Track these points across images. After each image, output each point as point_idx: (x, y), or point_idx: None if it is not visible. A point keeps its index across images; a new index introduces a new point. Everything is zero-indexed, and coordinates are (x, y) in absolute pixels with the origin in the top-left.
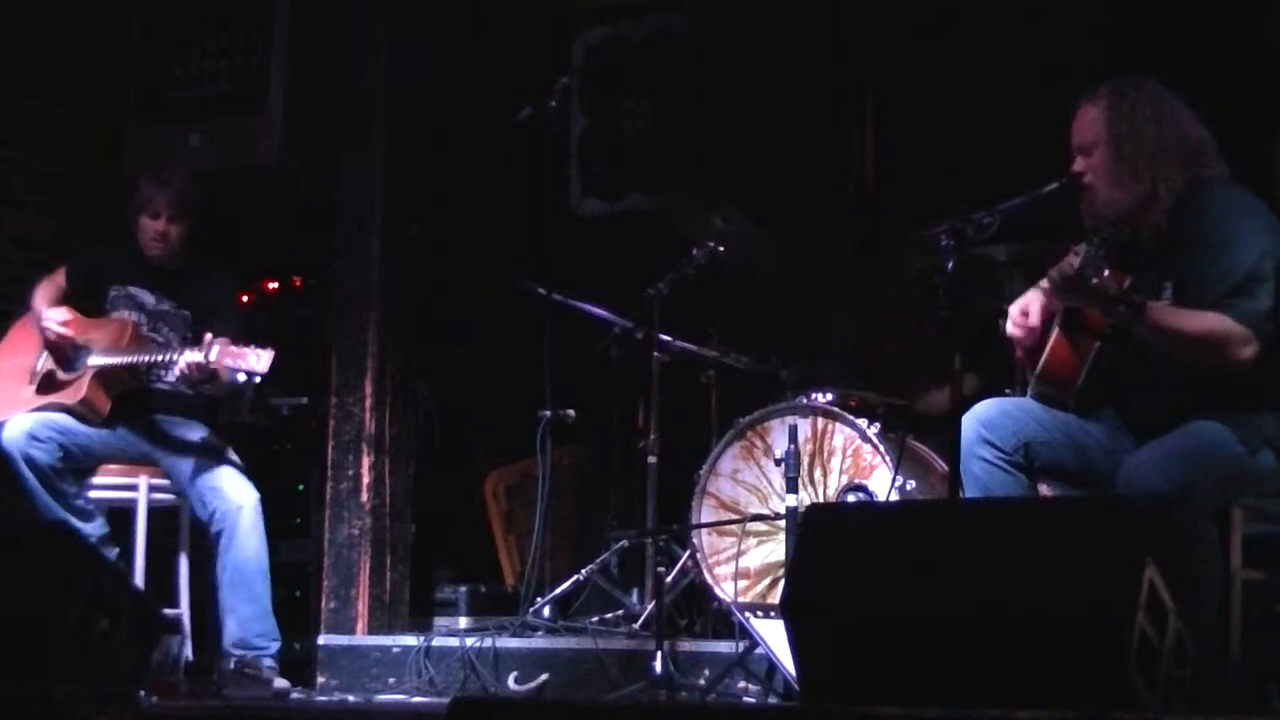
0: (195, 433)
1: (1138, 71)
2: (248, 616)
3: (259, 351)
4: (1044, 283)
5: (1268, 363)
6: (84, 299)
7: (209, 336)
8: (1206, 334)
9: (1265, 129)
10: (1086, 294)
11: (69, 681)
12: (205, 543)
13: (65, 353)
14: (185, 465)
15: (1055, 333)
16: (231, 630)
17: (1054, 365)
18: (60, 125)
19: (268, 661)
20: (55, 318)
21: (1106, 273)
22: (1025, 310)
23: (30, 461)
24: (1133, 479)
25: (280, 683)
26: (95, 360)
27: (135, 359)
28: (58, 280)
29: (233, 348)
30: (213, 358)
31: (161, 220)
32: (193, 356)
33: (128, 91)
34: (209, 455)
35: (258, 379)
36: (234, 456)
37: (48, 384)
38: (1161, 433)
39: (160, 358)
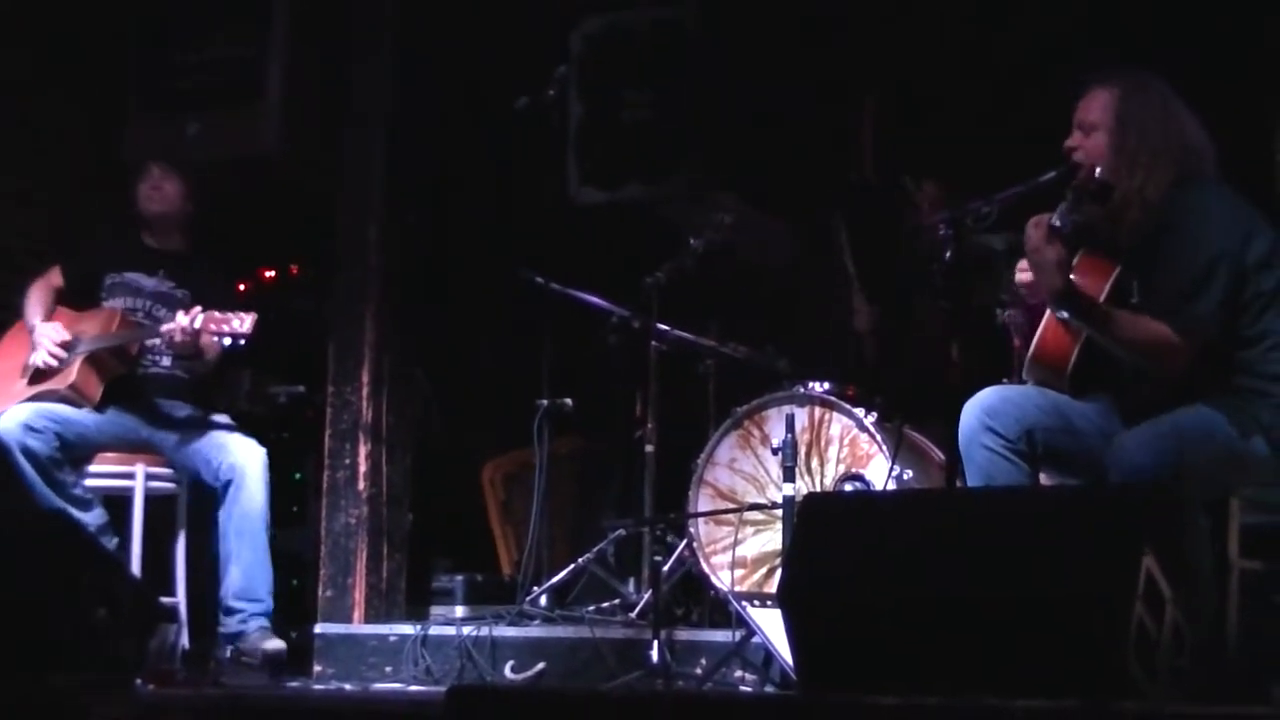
0: (190, 413)
1: (1137, 62)
2: (252, 564)
3: (241, 315)
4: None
5: (1263, 354)
6: (81, 295)
7: (196, 308)
8: (1143, 344)
9: (1263, 124)
10: (1045, 260)
11: (66, 671)
12: (203, 529)
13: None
14: (184, 439)
15: (1047, 315)
16: (234, 579)
17: (1046, 348)
18: (58, 114)
19: (263, 622)
20: (49, 336)
21: (1074, 216)
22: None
23: (27, 452)
24: (1122, 458)
25: (275, 643)
26: (84, 347)
27: (123, 340)
28: (52, 281)
29: (216, 313)
30: (197, 324)
31: (155, 175)
32: (174, 324)
33: (126, 80)
34: (207, 426)
35: (243, 341)
36: (233, 425)
37: (39, 375)
38: (1155, 416)
39: (146, 335)
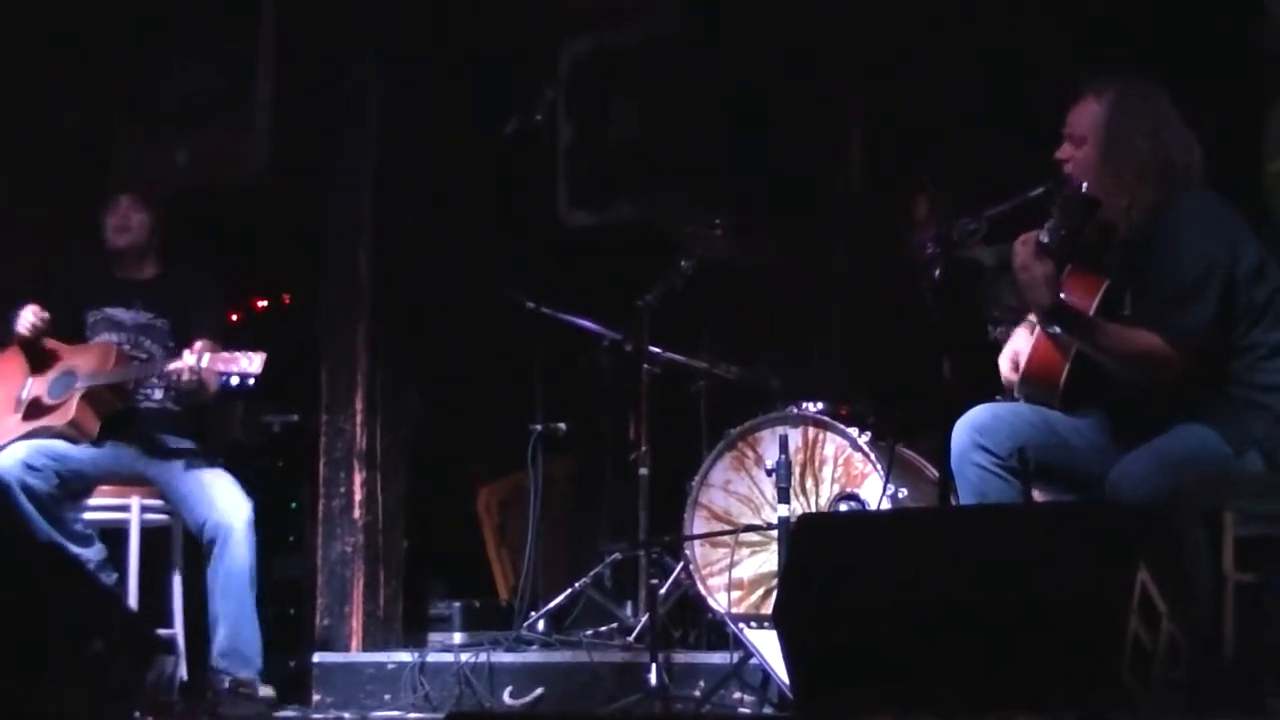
0: (186, 447)
1: (1128, 71)
2: (238, 624)
3: (250, 355)
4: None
5: (1256, 364)
6: (65, 326)
7: (199, 344)
8: (1134, 355)
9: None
10: (1034, 276)
11: (63, 703)
12: (199, 562)
13: (43, 354)
14: (178, 478)
15: (1037, 332)
16: (221, 638)
17: (1037, 365)
18: (48, 139)
19: (253, 675)
20: (26, 317)
21: (1061, 232)
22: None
23: (28, 490)
24: (1121, 486)
25: (265, 690)
26: (82, 383)
27: (122, 378)
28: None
29: (223, 353)
30: (203, 364)
31: (123, 207)
32: (181, 364)
33: (117, 104)
34: (201, 467)
35: (251, 381)
36: (226, 469)
37: (34, 410)
38: (1148, 433)
39: (147, 372)
